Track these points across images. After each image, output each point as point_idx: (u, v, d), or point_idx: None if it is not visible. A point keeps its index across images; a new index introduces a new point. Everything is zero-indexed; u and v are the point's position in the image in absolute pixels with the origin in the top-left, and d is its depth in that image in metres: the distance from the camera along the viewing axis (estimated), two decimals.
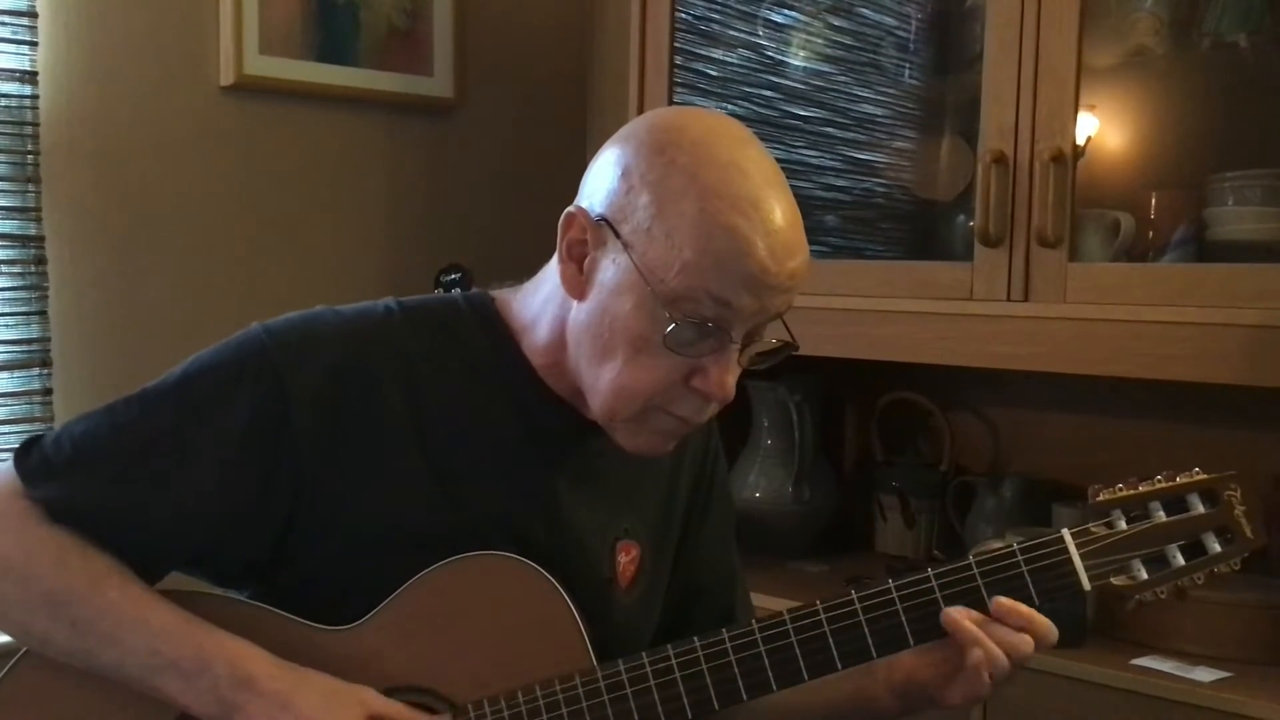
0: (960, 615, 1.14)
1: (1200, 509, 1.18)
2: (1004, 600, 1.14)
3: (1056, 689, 1.71)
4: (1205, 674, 1.65)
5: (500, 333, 1.22)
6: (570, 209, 1.14)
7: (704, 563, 1.37)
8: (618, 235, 1.10)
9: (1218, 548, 1.18)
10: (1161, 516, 1.18)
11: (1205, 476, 1.19)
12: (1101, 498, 1.18)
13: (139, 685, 1.11)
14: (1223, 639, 1.71)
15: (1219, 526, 1.18)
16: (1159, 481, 1.19)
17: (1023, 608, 1.14)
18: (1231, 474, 1.19)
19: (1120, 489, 1.18)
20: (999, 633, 1.13)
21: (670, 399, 1.13)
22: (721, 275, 1.07)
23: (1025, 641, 1.13)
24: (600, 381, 1.13)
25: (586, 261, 1.13)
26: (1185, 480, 1.19)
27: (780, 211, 1.09)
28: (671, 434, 1.17)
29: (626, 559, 1.27)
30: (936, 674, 1.17)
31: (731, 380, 1.12)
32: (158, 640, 1.10)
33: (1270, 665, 1.68)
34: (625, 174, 1.10)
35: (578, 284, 1.14)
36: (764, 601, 1.49)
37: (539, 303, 1.21)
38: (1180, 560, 1.17)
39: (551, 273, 1.19)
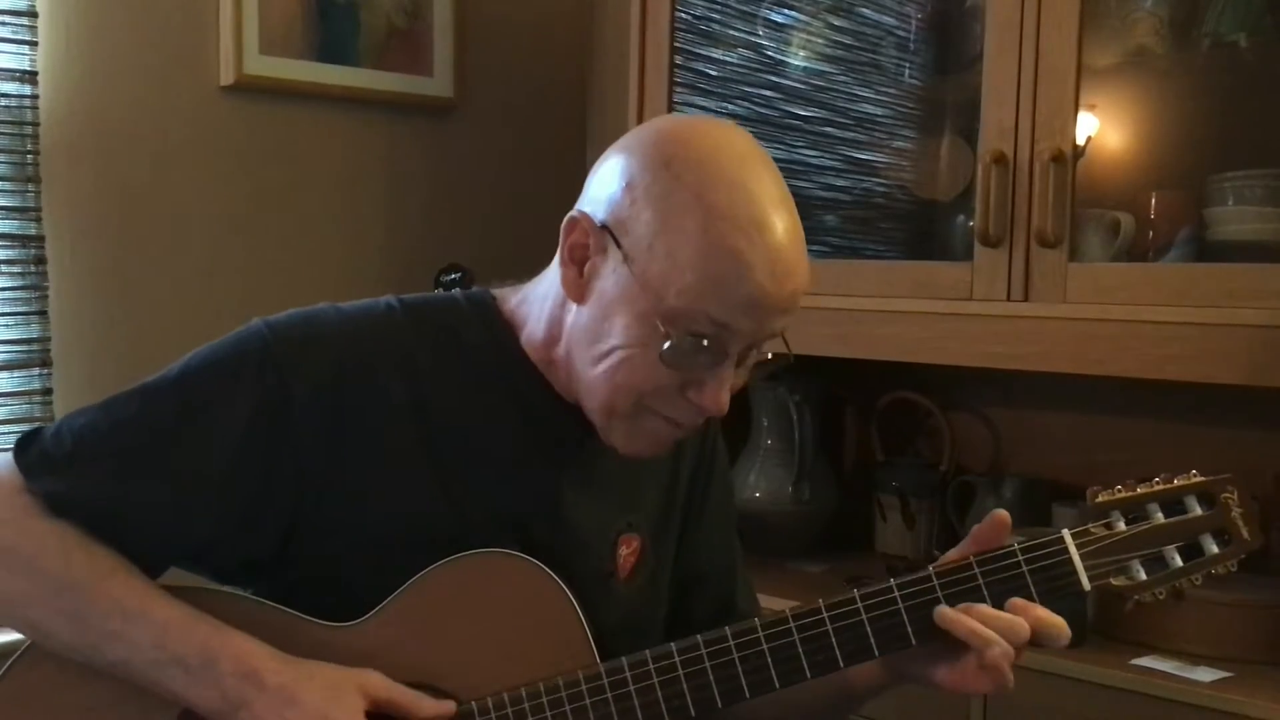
0: (955, 615, 1.13)
1: (1198, 511, 1.19)
2: (1018, 601, 1.14)
3: (1056, 689, 1.71)
4: (1205, 674, 1.65)
5: (500, 330, 1.23)
6: (573, 213, 1.14)
7: (705, 550, 1.38)
8: (619, 246, 1.10)
9: (1215, 549, 1.18)
10: (1160, 518, 1.18)
11: (1202, 479, 1.19)
12: (1100, 499, 1.18)
13: (143, 680, 1.11)
14: (1223, 639, 1.71)
15: (1216, 528, 1.18)
16: (1157, 483, 1.19)
17: (1036, 608, 1.14)
18: (1228, 476, 1.20)
19: (1119, 490, 1.19)
20: (982, 618, 1.13)
21: (664, 402, 1.13)
22: (721, 298, 1.07)
23: (1022, 626, 1.12)
24: (596, 382, 1.14)
25: (587, 266, 1.13)
26: (1183, 482, 1.19)
27: (783, 230, 1.09)
28: (666, 439, 1.18)
29: (627, 551, 1.27)
30: (939, 665, 1.17)
31: (725, 395, 1.12)
32: (162, 635, 1.10)
33: (1270, 665, 1.68)
34: (629, 186, 1.10)
35: (578, 288, 1.14)
36: (764, 601, 1.49)
37: (538, 301, 1.21)
38: (1178, 561, 1.18)
39: (552, 273, 1.19)
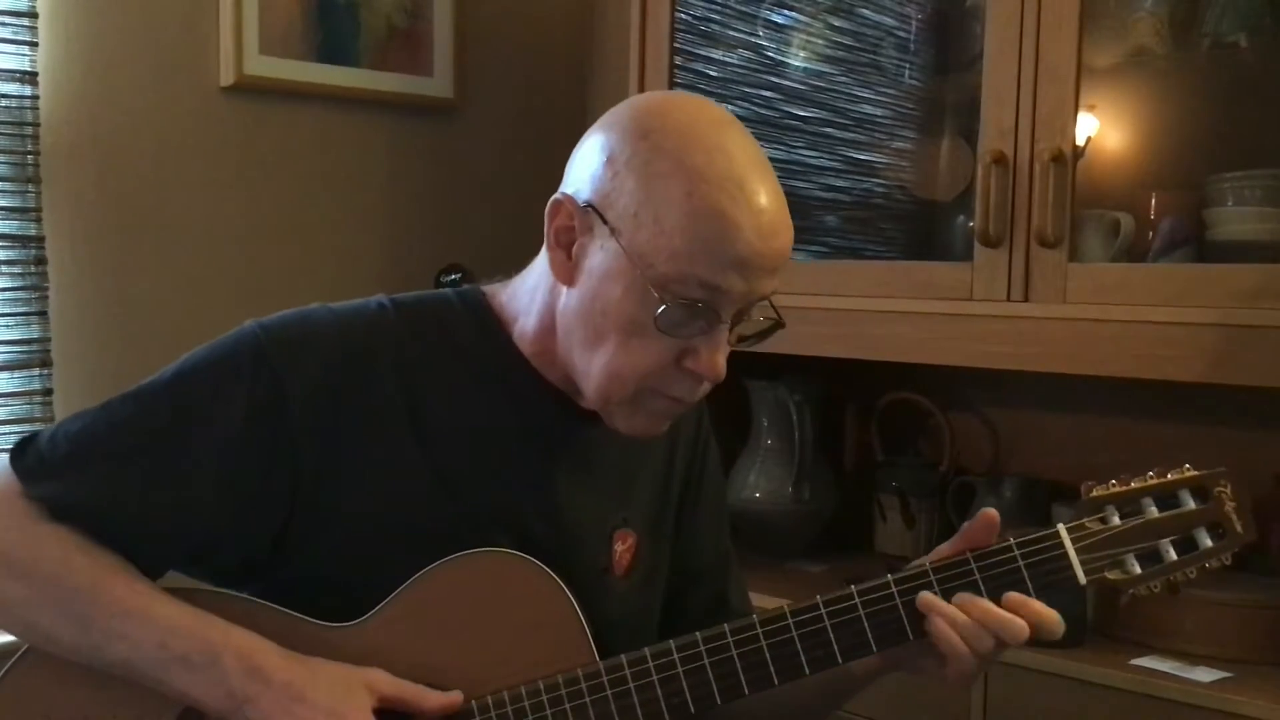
0: (933, 598, 1.14)
1: (1191, 504, 1.19)
2: (1014, 595, 1.14)
3: (1056, 689, 1.71)
4: (1205, 674, 1.65)
5: (492, 325, 1.23)
6: (556, 196, 1.15)
7: (698, 546, 1.38)
8: (604, 221, 1.10)
9: (1209, 543, 1.18)
10: (1154, 512, 1.19)
11: (1196, 473, 1.20)
12: (1095, 493, 1.19)
13: (147, 680, 1.11)
14: (1223, 639, 1.71)
15: (1210, 522, 1.19)
16: (1150, 478, 1.20)
17: (1032, 602, 1.14)
18: (1221, 470, 1.20)
19: (1113, 485, 1.19)
20: (982, 614, 1.13)
21: (663, 380, 1.13)
22: (710, 259, 1.07)
23: (1021, 629, 1.12)
24: (593, 366, 1.14)
25: (575, 248, 1.13)
26: (1176, 476, 1.20)
27: (765, 192, 1.09)
28: (665, 414, 1.18)
29: (623, 547, 1.27)
30: (926, 655, 1.17)
31: (722, 360, 1.12)
32: (165, 634, 1.10)
33: (1270, 665, 1.68)
34: (610, 159, 1.11)
35: (567, 270, 1.14)
36: (764, 601, 1.49)
37: (528, 292, 1.21)
38: (1172, 555, 1.18)
39: (540, 262, 1.20)
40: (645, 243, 1.08)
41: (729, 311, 1.11)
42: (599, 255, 1.11)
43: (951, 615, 1.13)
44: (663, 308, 1.08)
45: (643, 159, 1.09)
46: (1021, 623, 1.12)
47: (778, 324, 1.18)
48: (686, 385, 1.14)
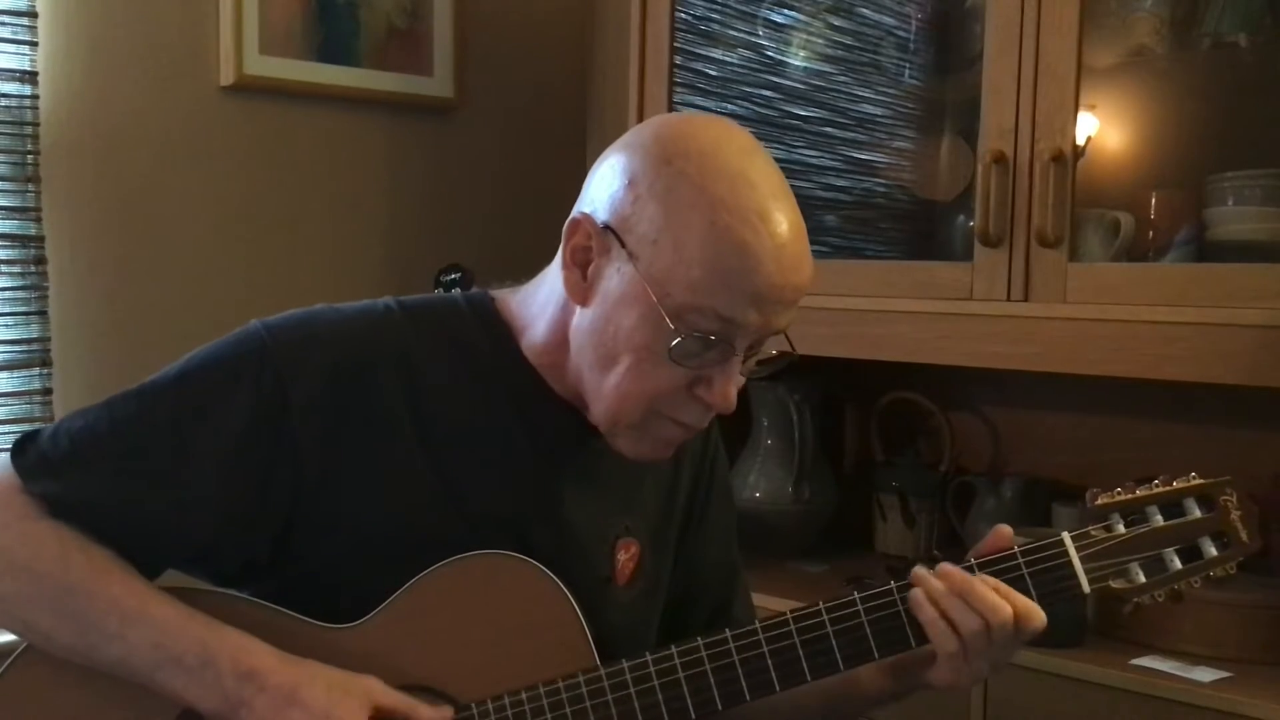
0: (921, 595, 1.14)
1: (1197, 513, 1.19)
2: (988, 578, 1.15)
3: (1056, 689, 1.71)
4: (1205, 674, 1.65)
5: (500, 332, 1.22)
6: (575, 215, 1.14)
7: (704, 559, 1.38)
8: (623, 245, 1.10)
9: (1214, 552, 1.19)
10: (1159, 521, 1.19)
11: (1201, 481, 1.20)
12: (1100, 501, 1.19)
13: (142, 680, 1.11)
14: (1223, 639, 1.71)
15: (1215, 531, 1.19)
16: (1156, 486, 1.20)
17: (1002, 586, 1.14)
18: (1227, 479, 1.20)
19: (1118, 493, 1.19)
20: (974, 595, 1.13)
21: (672, 405, 1.13)
22: (729, 292, 1.07)
23: (1002, 606, 1.12)
24: (603, 388, 1.13)
25: (590, 268, 1.13)
26: (1182, 485, 1.20)
27: (787, 224, 1.09)
28: (671, 440, 1.18)
29: (625, 556, 1.27)
30: (927, 665, 1.17)
31: (733, 391, 1.12)
32: (161, 635, 1.10)
33: (1270, 665, 1.68)
34: (631, 183, 1.10)
35: (581, 290, 1.14)
36: (764, 601, 1.49)
37: (539, 303, 1.21)
38: (1177, 564, 1.18)
39: (552, 274, 1.19)
40: (663, 270, 1.07)
41: (743, 344, 1.10)
42: (615, 279, 1.11)
43: (931, 585, 1.14)
44: (677, 339, 1.08)
45: (665, 185, 1.08)
46: (1001, 601, 1.12)
47: (788, 354, 1.18)
48: (696, 412, 1.14)
